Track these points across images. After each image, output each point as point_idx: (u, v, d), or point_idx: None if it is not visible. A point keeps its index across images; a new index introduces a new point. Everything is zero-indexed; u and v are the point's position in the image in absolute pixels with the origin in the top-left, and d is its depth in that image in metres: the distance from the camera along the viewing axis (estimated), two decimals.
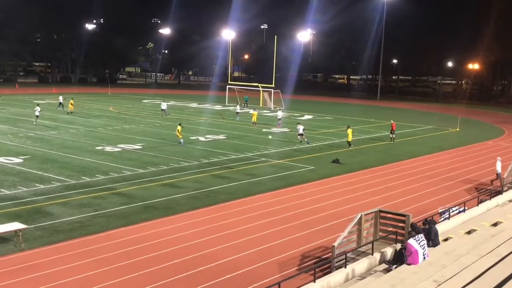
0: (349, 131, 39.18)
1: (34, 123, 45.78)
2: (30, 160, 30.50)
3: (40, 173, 27.50)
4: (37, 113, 47.23)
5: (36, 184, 25.14)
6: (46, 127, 44.34)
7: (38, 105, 48.94)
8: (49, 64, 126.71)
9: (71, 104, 55.18)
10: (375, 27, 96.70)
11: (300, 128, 41.27)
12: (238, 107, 58.49)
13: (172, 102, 71.46)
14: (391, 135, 44.12)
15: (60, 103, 57.62)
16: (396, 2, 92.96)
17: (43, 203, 22.30)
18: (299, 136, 41.19)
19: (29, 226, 18.74)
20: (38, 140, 37.79)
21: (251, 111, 53.97)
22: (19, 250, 17.10)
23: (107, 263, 16.34)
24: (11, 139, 37.48)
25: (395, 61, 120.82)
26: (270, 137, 43.96)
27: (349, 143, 39.24)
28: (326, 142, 42.00)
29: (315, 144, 40.78)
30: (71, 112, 54.13)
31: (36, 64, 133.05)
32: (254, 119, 50.84)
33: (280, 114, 52.31)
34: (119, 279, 15.23)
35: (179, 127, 38.30)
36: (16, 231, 17.64)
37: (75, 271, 15.62)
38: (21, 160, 30.29)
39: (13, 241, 17.59)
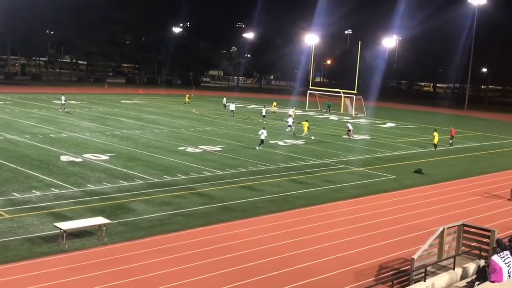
0: (435, 134, 41.83)
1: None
2: (115, 158, 31.70)
3: (124, 170, 28.50)
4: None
5: (121, 181, 26.07)
6: (149, 126, 46.03)
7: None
8: (136, 66, 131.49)
9: (274, 106, 64.40)
10: (465, 34, 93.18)
11: (349, 125, 46.36)
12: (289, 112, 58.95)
13: (252, 106, 72.13)
14: (450, 141, 44.57)
15: (224, 105, 64.47)
16: (488, 9, 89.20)
17: (126, 199, 23.07)
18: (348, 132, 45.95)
19: (112, 221, 19.41)
20: (124, 138, 39.23)
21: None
22: (102, 244, 17.75)
23: (185, 261, 16.65)
24: (98, 137, 39.13)
25: (484, 69, 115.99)
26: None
27: (435, 146, 41.82)
28: (409, 151, 40.91)
29: (397, 153, 39.85)
30: (274, 113, 62.21)
31: (125, 65, 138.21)
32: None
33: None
34: (196, 278, 15.47)
35: (306, 123, 45.81)
36: (100, 226, 18.34)
37: (154, 267, 16.02)
38: (108, 157, 31.52)
39: (97, 235, 18.29)
